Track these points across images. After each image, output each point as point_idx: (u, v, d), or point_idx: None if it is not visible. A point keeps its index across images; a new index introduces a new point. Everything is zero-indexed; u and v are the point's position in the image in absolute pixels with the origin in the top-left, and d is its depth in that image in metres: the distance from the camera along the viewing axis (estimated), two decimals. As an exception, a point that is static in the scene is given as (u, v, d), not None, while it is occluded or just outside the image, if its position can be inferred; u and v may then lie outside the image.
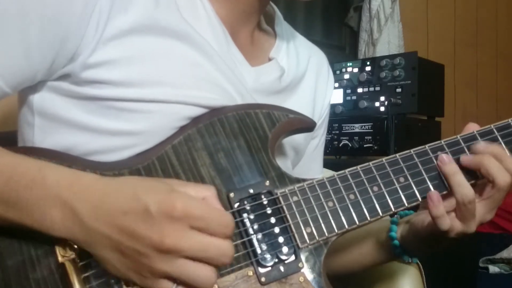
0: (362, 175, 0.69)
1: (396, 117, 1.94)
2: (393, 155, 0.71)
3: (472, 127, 0.74)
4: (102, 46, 0.62)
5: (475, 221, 0.71)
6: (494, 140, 0.73)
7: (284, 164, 0.81)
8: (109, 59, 0.63)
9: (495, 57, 3.77)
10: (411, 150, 0.72)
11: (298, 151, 0.86)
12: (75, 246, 0.57)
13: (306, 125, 0.74)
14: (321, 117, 0.92)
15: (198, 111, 0.68)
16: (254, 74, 0.76)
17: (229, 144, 0.68)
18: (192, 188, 0.57)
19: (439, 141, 0.73)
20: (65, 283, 0.57)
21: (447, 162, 0.70)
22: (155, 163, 0.65)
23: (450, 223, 0.69)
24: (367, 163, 0.70)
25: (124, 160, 0.66)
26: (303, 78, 0.86)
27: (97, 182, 0.57)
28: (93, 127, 0.65)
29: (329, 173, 1.01)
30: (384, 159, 0.71)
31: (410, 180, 0.70)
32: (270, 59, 0.82)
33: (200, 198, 0.55)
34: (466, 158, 0.71)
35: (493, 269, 2.59)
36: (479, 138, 0.73)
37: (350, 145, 2.03)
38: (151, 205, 0.52)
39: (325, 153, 2.15)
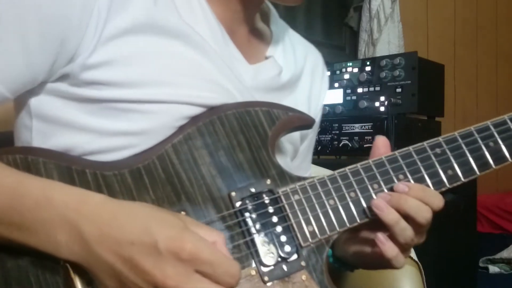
0: (362, 173, 0.69)
1: (396, 117, 1.94)
2: (392, 153, 0.71)
3: (381, 143, 0.73)
4: (101, 46, 0.62)
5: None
6: (491, 136, 0.73)
7: (283, 161, 0.81)
8: (108, 59, 0.63)
9: (495, 57, 3.78)
10: (410, 148, 0.71)
11: (295, 147, 0.86)
12: None
13: (305, 123, 0.74)
14: (315, 117, 0.92)
15: (198, 111, 0.68)
16: (252, 72, 0.76)
17: (229, 143, 0.68)
18: (203, 230, 0.56)
19: (436, 138, 0.72)
20: (67, 284, 0.57)
21: (384, 209, 0.66)
22: (156, 162, 0.65)
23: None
24: (366, 161, 0.70)
25: (124, 160, 0.65)
26: (301, 76, 0.86)
27: (107, 205, 0.56)
28: (93, 128, 0.65)
29: (326, 172, 1.01)
30: (383, 156, 0.71)
31: (410, 177, 0.70)
32: (266, 58, 0.82)
33: (210, 241, 0.54)
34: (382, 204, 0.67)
35: (493, 269, 2.60)
36: (476, 134, 0.73)
37: (350, 145, 2.02)
38: (160, 240, 0.51)
39: (325, 153, 2.16)
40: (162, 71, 0.66)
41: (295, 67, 0.84)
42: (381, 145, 0.73)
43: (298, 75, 0.85)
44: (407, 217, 0.66)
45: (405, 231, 0.66)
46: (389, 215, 0.66)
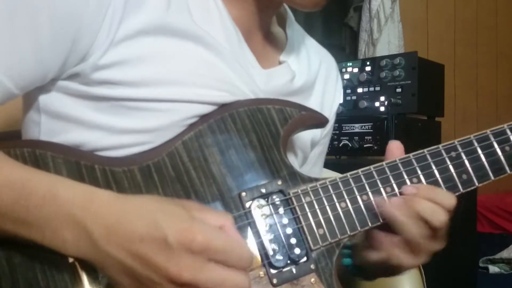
0: (375, 175, 0.68)
1: (396, 117, 1.94)
2: (406, 155, 0.70)
3: (395, 147, 0.72)
4: (114, 47, 0.61)
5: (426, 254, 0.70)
6: (507, 140, 0.72)
7: (293, 161, 0.80)
8: (120, 60, 0.62)
9: (495, 57, 3.78)
10: (425, 150, 0.70)
11: (305, 154, 0.85)
12: None
13: (318, 122, 0.73)
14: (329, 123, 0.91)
15: (209, 109, 0.67)
16: (265, 76, 0.75)
17: (240, 141, 0.67)
18: (210, 215, 0.55)
19: (452, 141, 0.71)
20: (74, 280, 0.57)
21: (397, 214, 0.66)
22: (165, 159, 0.63)
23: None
24: (380, 163, 0.69)
25: (134, 156, 0.64)
26: (315, 82, 0.85)
27: (114, 202, 0.55)
28: (102, 125, 0.64)
29: (329, 173, 0.99)
30: (397, 159, 0.69)
31: (424, 181, 0.69)
32: (280, 62, 0.80)
33: (218, 226, 0.54)
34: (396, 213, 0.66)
35: (493, 269, 2.60)
36: (492, 138, 0.71)
37: (350, 145, 2.02)
38: (170, 234, 0.51)
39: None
40: (173, 70, 0.65)
41: (309, 73, 0.83)
42: (396, 150, 0.71)
43: (312, 81, 0.84)
44: (422, 221, 0.66)
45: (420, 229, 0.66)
46: (403, 217, 0.66)
